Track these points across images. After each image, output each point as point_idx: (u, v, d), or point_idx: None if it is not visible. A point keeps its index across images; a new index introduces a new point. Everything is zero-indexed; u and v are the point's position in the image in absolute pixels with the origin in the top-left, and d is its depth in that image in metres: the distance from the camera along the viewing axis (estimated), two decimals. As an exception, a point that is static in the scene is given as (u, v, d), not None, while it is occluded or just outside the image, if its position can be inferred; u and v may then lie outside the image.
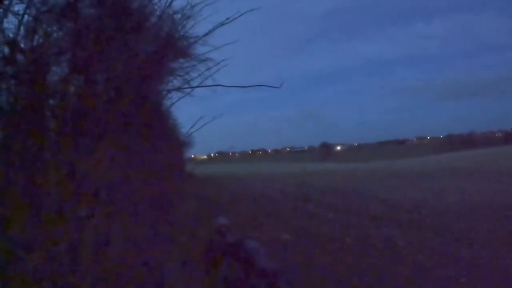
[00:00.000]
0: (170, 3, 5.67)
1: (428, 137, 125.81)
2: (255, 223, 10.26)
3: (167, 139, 9.40)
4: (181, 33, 6.25)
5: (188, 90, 7.65)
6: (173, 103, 8.41)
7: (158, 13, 5.66)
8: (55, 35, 3.46)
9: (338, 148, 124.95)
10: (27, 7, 3.16)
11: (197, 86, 7.38)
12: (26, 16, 3.15)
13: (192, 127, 9.53)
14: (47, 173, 2.76)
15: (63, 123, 3.19)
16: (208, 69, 6.92)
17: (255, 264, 1.92)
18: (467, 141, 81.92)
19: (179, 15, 6.02)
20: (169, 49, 5.99)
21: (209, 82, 7.11)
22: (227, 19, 6.30)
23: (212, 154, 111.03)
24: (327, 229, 9.78)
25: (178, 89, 7.52)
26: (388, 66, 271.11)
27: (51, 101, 3.30)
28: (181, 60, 6.81)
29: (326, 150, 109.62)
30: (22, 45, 3.10)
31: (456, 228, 9.23)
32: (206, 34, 6.40)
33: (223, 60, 6.83)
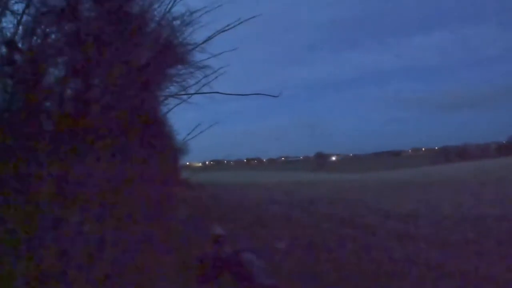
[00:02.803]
0: (170, 9, 5.64)
1: (423, 149, 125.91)
2: (249, 231, 10.18)
3: (163, 145, 9.33)
4: (180, 40, 6.22)
5: (186, 96, 7.60)
6: (170, 110, 8.36)
7: (157, 19, 5.63)
8: (53, 36, 3.42)
9: (333, 158, 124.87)
10: (27, 7, 3.11)
11: (195, 93, 7.35)
12: (25, 16, 3.11)
13: (188, 134, 9.49)
14: (41, 176, 2.70)
15: (59, 126, 3.14)
16: (206, 76, 6.88)
17: (253, 279, 1.85)
18: (462, 153, 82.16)
19: (179, 22, 5.99)
20: (167, 55, 5.95)
21: (206, 89, 7.07)
22: (228, 25, 6.28)
23: (207, 162, 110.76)
24: (322, 239, 9.69)
25: (175, 95, 7.47)
26: (386, 77, 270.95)
27: (47, 103, 3.25)
28: (179, 66, 6.77)
29: (321, 160, 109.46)
30: (20, 45, 3.05)
31: (451, 239, 9.17)
32: (206, 41, 6.38)
33: (221, 67, 6.78)
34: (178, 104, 7.78)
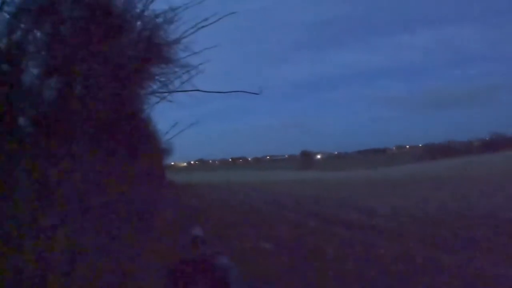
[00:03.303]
0: (149, 4, 5.53)
1: (407, 146, 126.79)
2: (236, 231, 10.15)
3: (146, 145, 9.22)
4: (163, 38, 6.13)
5: (166, 94, 7.51)
6: (150, 107, 8.24)
7: (139, 16, 5.53)
8: (32, 33, 3.33)
9: (319, 156, 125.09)
10: (4, 3, 3.02)
11: (176, 91, 7.24)
12: (3, 13, 3.02)
13: (167, 132, 9.40)
14: (18, 179, 2.62)
15: (37, 126, 3.05)
16: (187, 71, 6.77)
17: (226, 285, 1.80)
18: (446, 150, 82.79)
19: (161, 19, 5.90)
20: (150, 53, 5.87)
21: (188, 87, 6.97)
22: (205, 19, 6.18)
23: (192, 162, 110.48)
24: (308, 238, 9.69)
25: (156, 93, 7.38)
26: (371, 76, 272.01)
27: (26, 102, 3.15)
28: (162, 65, 6.69)
29: (306, 158, 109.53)
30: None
31: (436, 235, 9.22)
32: (185, 36, 6.27)
33: (200, 64, 6.69)
34: (158, 102, 7.67)
